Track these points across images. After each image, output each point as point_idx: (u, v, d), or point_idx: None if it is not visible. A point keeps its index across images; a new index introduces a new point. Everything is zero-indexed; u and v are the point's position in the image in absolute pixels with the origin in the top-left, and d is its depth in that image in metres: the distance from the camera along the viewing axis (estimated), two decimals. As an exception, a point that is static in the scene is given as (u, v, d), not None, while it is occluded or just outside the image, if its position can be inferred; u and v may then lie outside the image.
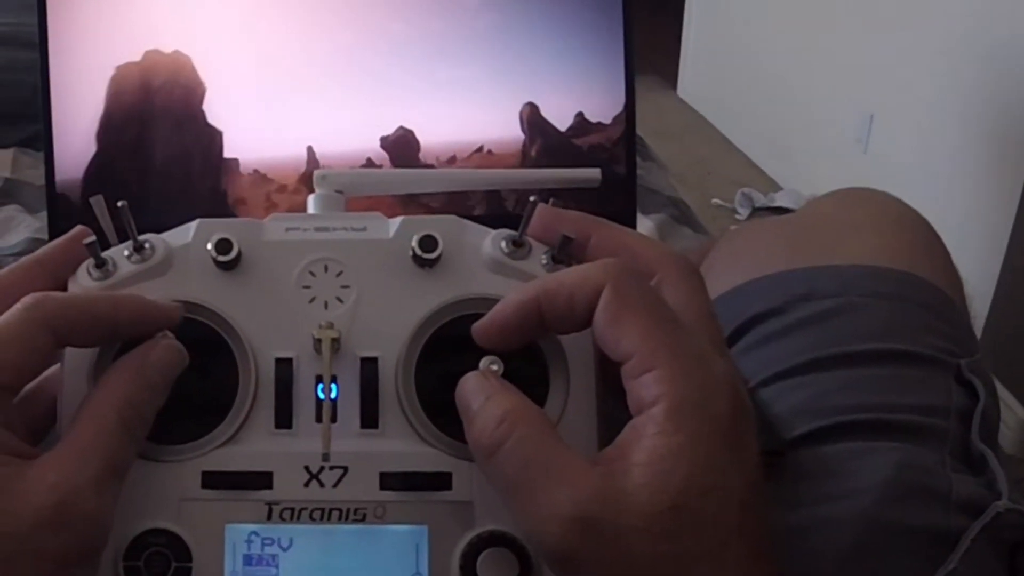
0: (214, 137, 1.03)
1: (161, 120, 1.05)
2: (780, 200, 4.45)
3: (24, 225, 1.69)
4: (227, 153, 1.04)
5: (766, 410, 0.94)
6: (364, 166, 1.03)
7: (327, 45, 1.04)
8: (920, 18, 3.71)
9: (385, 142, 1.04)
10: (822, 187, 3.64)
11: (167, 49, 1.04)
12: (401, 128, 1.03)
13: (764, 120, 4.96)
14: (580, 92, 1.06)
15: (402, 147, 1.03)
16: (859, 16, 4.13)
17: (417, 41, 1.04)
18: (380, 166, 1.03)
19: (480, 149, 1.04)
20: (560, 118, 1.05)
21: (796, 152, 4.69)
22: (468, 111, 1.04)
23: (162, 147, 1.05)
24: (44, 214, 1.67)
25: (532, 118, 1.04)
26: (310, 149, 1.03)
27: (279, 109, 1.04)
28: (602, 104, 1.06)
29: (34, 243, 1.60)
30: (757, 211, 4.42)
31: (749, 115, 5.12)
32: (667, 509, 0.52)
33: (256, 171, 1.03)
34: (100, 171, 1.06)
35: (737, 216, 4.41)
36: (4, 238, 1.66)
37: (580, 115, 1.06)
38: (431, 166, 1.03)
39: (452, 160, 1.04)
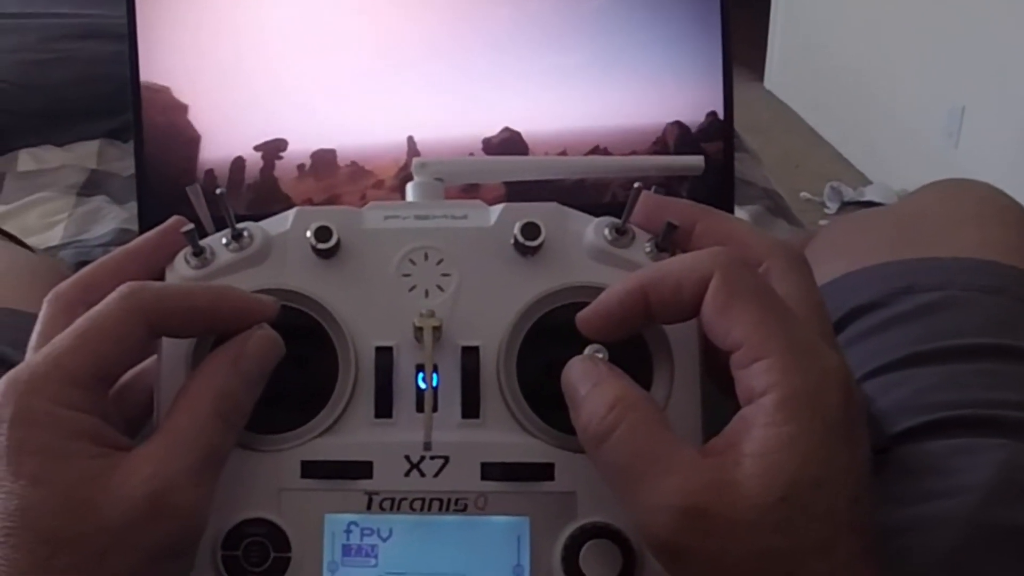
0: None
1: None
2: (870, 194, 4.41)
3: (112, 216, 1.70)
4: (325, 144, 1.03)
5: (869, 405, 0.93)
6: (467, 166, 1.03)
7: (431, 31, 1.03)
8: (1014, 5, 3.65)
9: (489, 145, 1.03)
10: (911, 182, 3.60)
11: (264, 39, 1.04)
12: (507, 129, 1.03)
13: (852, 113, 4.92)
14: (709, 86, 1.04)
15: (507, 150, 1.03)
16: (950, 5, 4.08)
17: (523, 27, 1.03)
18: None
19: (596, 149, 1.03)
20: (691, 115, 1.04)
21: (885, 146, 4.65)
22: (579, 103, 1.03)
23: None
24: (131, 204, 1.69)
25: (680, 141, 1.03)
26: (410, 139, 1.03)
27: (380, 99, 1.04)
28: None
29: (122, 233, 1.61)
30: (846, 205, 4.38)
31: (837, 107, 5.08)
32: (778, 501, 0.51)
33: (354, 163, 1.03)
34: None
35: (826, 210, 4.38)
36: (92, 229, 1.68)
37: (713, 114, 1.04)
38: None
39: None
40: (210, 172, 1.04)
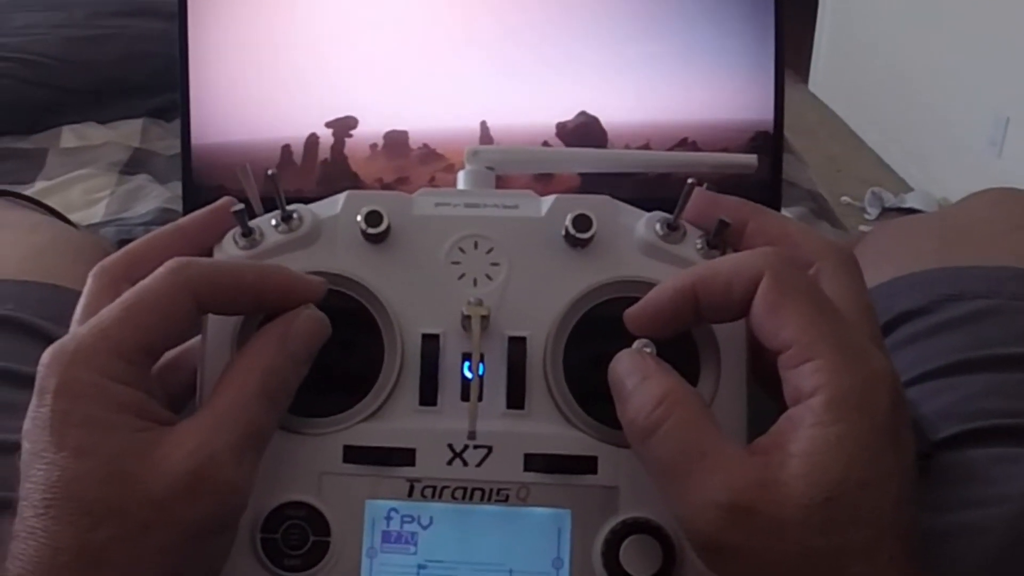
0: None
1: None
2: (910, 201, 4.39)
3: (154, 195, 1.71)
4: (397, 125, 1.03)
5: (912, 411, 0.92)
6: (540, 149, 1.02)
7: (508, 16, 1.03)
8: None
9: (562, 130, 1.02)
10: (953, 190, 3.57)
11: (328, 17, 1.04)
12: (583, 114, 1.02)
13: (896, 119, 4.90)
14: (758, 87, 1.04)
15: (582, 136, 1.02)
16: (997, 15, 4.06)
17: (605, 13, 1.02)
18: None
19: (684, 141, 1.02)
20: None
21: (928, 153, 4.63)
22: (663, 94, 1.02)
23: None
24: (173, 184, 1.70)
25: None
26: (483, 124, 1.02)
27: (454, 82, 1.04)
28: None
29: (164, 212, 1.62)
30: (887, 211, 4.37)
31: (881, 113, 5.06)
32: (823, 501, 0.51)
33: (425, 145, 1.03)
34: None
35: (866, 216, 4.36)
36: (134, 207, 1.68)
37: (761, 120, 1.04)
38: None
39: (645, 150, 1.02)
40: (286, 148, 1.04)
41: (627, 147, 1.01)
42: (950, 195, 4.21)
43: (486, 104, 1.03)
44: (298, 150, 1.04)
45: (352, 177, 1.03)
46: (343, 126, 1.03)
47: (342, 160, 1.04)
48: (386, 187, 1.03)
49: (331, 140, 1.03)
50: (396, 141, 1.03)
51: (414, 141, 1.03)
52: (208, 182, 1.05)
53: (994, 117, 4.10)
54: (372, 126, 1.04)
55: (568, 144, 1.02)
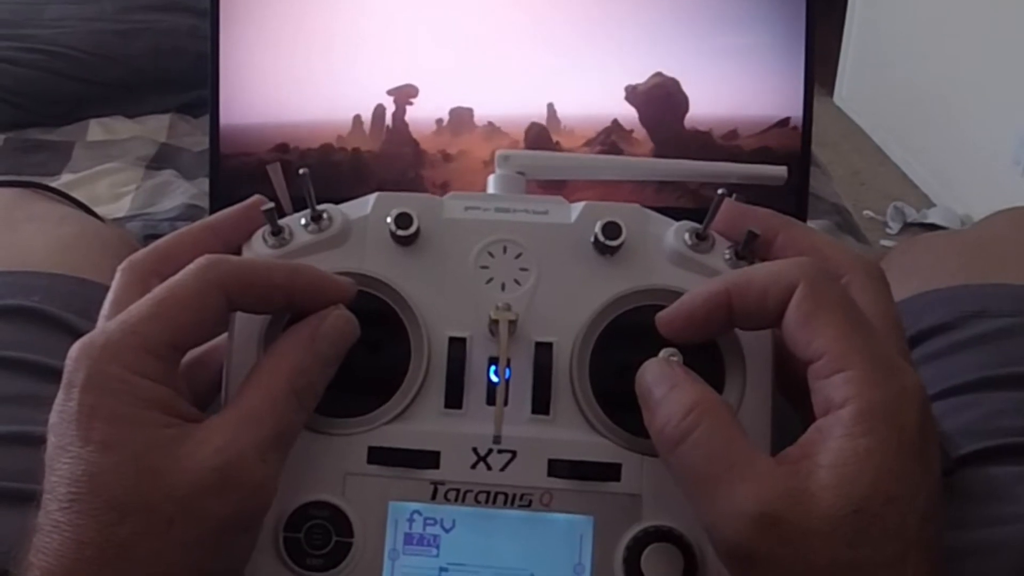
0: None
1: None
2: (933, 217, 4.37)
3: (180, 191, 1.71)
4: (462, 102, 1.04)
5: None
6: (609, 127, 1.02)
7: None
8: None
9: (633, 93, 1.01)
10: (976, 207, 3.56)
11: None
12: (659, 75, 1.01)
13: (921, 134, 4.88)
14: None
15: (659, 100, 1.01)
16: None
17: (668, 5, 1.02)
18: (631, 131, 1.01)
19: (785, 122, 1.02)
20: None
21: (951, 170, 4.60)
22: (749, 81, 1.02)
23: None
24: (200, 180, 1.70)
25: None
26: (550, 106, 1.02)
27: (522, 59, 1.04)
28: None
29: (191, 209, 1.62)
30: (909, 226, 4.35)
31: (906, 128, 5.04)
32: (851, 514, 0.51)
33: (490, 123, 1.03)
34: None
35: (888, 230, 4.34)
36: (160, 203, 1.69)
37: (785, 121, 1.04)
38: (704, 132, 1.01)
39: (733, 134, 1.02)
40: (357, 118, 1.04)
41: (712, 131, 1.01)
42: (972, 212, 4.20)
43: (554, 88, 1.03)
44: (367, 121, 1.04)
45: (413, 144, 1.03)
46: (404, 94, 1.03)
47: (403, 127, 1.03)
48: (447, 158, 1.03)
49: (392, 107, 1.03)
50: (461, 117, 1.03)
51: (479, 119, 1.03)
52: (236, 157, 1.05)
53: (1018, 135, 4.08)
54: (438, 103, 1.04)
55: (642, 110, 1.01)
